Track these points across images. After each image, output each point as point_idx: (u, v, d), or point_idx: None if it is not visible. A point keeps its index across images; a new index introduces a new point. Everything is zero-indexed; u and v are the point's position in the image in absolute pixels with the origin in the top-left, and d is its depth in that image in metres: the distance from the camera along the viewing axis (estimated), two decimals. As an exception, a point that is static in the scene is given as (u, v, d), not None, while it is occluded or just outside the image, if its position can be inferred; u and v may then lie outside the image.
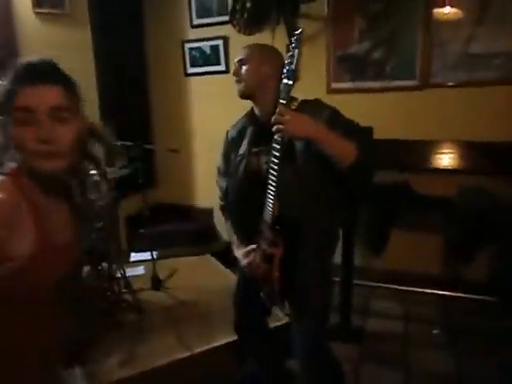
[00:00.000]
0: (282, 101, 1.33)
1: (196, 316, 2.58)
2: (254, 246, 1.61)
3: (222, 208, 1.81)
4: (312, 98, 1.58)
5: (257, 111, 1.63)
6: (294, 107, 1.48)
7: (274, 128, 1.33)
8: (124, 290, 2.64)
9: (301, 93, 1.54)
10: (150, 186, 3.59)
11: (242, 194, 1.63)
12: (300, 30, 1.31)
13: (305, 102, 1.55)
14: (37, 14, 3.17)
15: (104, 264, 2.52)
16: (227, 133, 1.76)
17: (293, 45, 1.30)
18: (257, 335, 1.90)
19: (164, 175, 3.99)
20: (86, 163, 1.01)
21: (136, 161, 2.66)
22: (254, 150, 1.61)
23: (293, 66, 1.31)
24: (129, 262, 3.28)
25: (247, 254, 1.63)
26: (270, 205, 1.44)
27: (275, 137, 1.36)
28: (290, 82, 1.32)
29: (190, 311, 2.64)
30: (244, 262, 1.64)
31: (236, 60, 1.60)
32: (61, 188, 0.99)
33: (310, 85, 2.83)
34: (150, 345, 2.30)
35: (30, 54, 3.45)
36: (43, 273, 0.92)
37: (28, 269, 0.86)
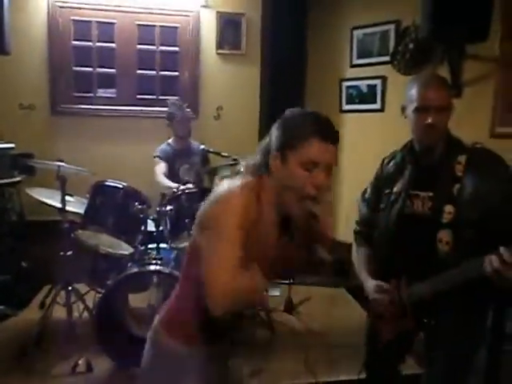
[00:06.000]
0: None
1: (324, 346, 2.59)
2: (388, 286, 1.58)
3: (357, 233, 1.81)
4: (472, 141, 1.52)
5: (417, 147, 1.57)
6: (462, 159, 1.46)
7: (489, 269, 1.28)
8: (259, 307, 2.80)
9: (462, 135, 1.51)
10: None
11: (390, 233, 1.61)
12: None
13: (473, 152, 1.48)
14: (218, 54, 3.76)
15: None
16: (383, 162, 1.72)
17: None
18: (388, 380, 1.81)
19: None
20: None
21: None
22: (412, 192, 1.56)
23: None
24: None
25: (378, 290, 1.60)
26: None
27: None
28: None
29: (318, 340, 2.66)
30: (373, 295, 1.61)
31: (433, 105, 1.45)
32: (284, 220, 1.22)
33: (472, 128, 2.68)
34: (278, 364, 2.39)
35: (210, 87, 4.06)
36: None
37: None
